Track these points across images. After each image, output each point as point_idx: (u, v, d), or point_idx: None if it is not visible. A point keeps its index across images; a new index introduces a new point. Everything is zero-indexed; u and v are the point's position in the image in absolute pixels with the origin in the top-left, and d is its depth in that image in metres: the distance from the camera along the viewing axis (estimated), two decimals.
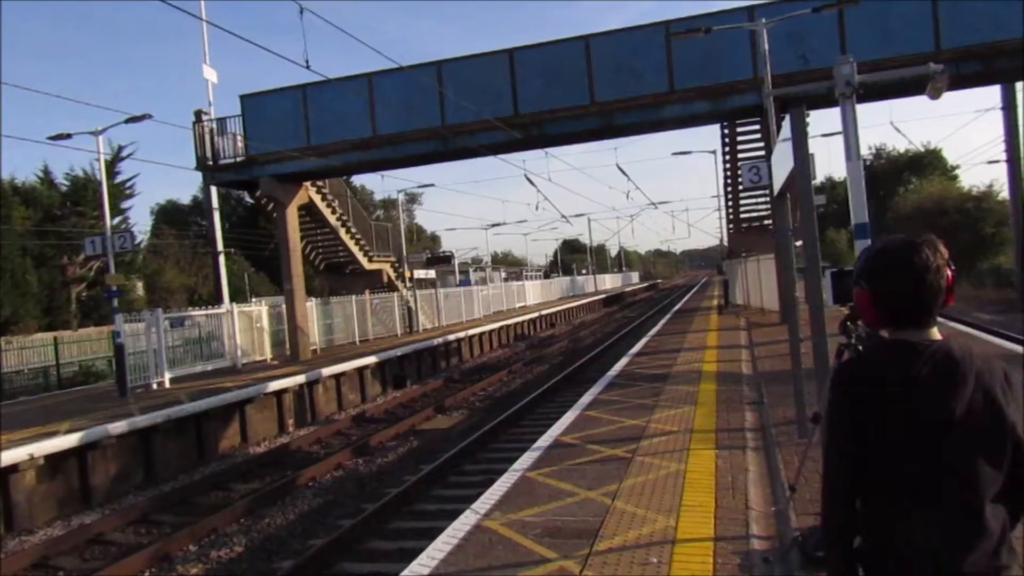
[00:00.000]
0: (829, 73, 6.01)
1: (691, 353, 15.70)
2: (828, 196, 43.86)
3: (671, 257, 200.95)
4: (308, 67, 13.13)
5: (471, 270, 53.50)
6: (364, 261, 27.06)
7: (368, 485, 10.89)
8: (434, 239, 78.02)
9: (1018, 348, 12.48)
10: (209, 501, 10.72)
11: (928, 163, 59.67)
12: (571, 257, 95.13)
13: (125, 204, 45.33)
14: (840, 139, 6.06)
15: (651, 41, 17.65)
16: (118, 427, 11.56)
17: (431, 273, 36.02)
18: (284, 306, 21.51)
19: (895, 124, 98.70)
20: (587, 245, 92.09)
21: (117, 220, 41.67)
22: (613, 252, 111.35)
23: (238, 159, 20.69)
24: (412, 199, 78.98)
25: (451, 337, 25.63)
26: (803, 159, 5.80)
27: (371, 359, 19.40)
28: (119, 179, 43.55)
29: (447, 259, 39.84)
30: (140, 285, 43.75)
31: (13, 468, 9.86)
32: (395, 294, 28.43)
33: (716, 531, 5.25)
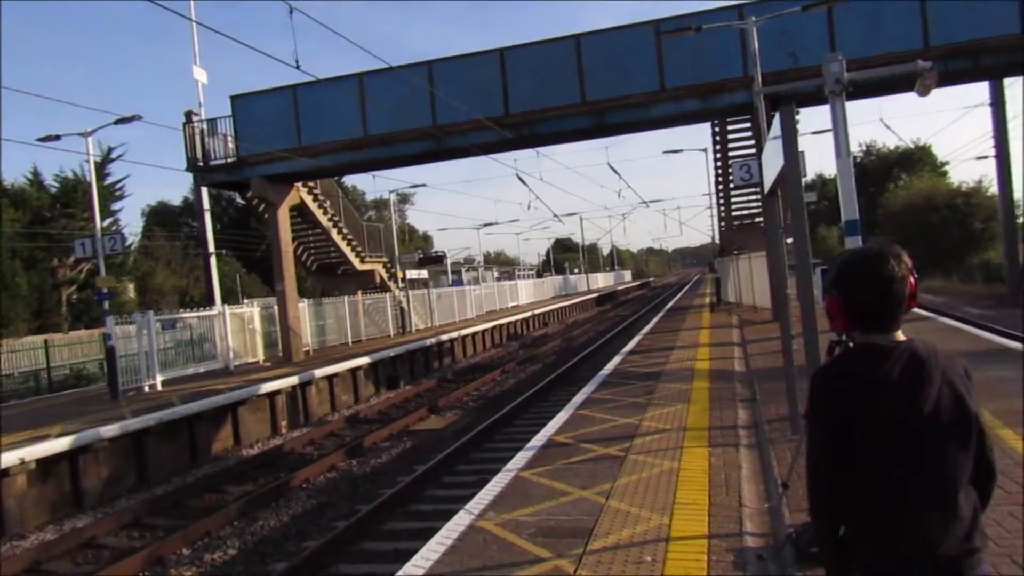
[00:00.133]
0: (819, 71, 6.02)
1: (684, 351, 15.74)
2: (819, 193, 44.14)
3: (663, 255, 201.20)
4: (298, 67, 13.10)
5: (463, 270, 53.46)
6: (356, 262, 27.02)
7: (362, 486, 10.88)
8: (426, 239, 77.91)
9: (1009, 343, 12.57)
10: (202, 504, 10.69)
11: (918, 159, 59.98)
12: (563, 256, 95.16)
13: (115, 206, 45.08)
14: (830, 136, 6.07)
15: (641, 40, 17.67)
16: (110, 430, 11.51)
17: (423, 273, 36.00)
18: (276, 307, 21.46)
19: (885, 121, 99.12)
20: (579, 244, 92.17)
21: (107, 222, 41.46)
22: (605, 251, 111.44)
23: (229, 160, 20.62)
24: (404, 199, 78.99)
25: (444, 337, 25.62)
26: (793, 157, 5.80)
27: (364, 360, 19.37)
28: (109, 180, 43.30)
29: (439, 259, 39.80)
30: (131, 287, 43.56)
31: (4, 472, 9.80)
32: (387, 294, 28.39)
33: (710, 529, 5.26)
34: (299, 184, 22.26)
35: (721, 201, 27.49)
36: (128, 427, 11.88)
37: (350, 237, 26.49)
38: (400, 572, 5.00)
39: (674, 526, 5.34)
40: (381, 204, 65.28)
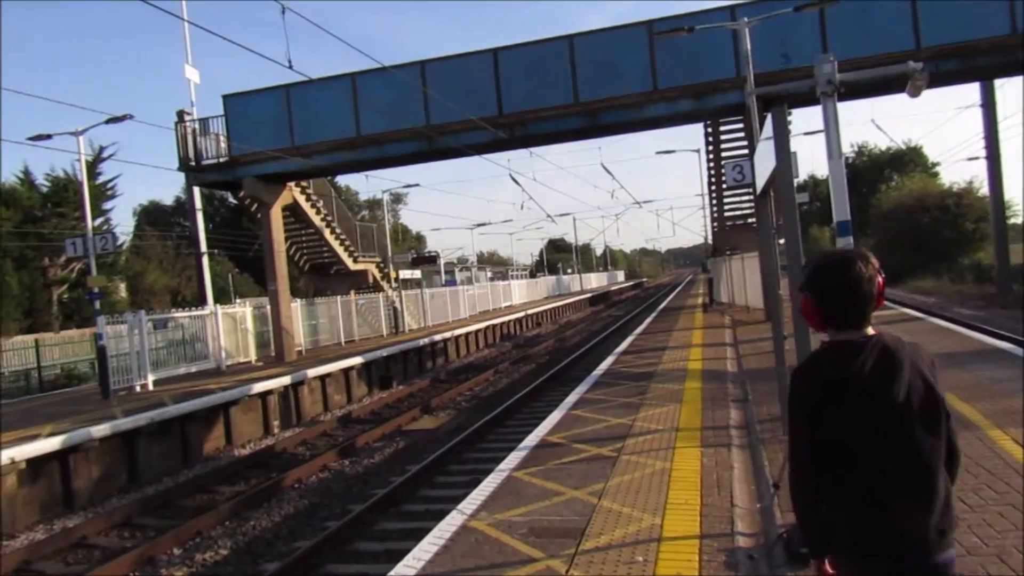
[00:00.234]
0: (811, 72, 6.04)
1: (676, 351, 15.76)
2: (811, 194, 44.26)
3: (656, 256, 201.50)
4: (291, 67, 13.07)
5: (457, 270, 53.40)
6: (349, 261, 26.97)
7: (354, 486, 10.87)
8: (419, 239, 77.86)
9: (999, 343, 12.61)
10: (194, 503, 10.66)
11: (909, 160, 60.27)
12: (557, 256, 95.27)
13: (107, 205, 44.93)
14: (822, 137, 6.09)
15: (634, 40, 17.70)
16: (101, 430, 11.46)
17: (417, 273, 35.97)
18: (269, 307, 21.41)
19: (876, 122, 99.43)
20: (572, 244, 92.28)
21: (99, 221, 41.26)
22: (599, 251, 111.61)
23: (221, 159, 20.56)
24: (397, 199, 78.75)
25: (437, 337, 25.60)
26: (785, 157, 5.82)
27: (357, 360, 19.34)
28: (100, 180, 43.13)
29: (432, 259, 39.79)
30: (123, 287, 43.40)
31: None
32: (380, 294, 28.36)
33: (702, 529, 5.27)
34: (292, 184, 22.20)
35: (714, 202, 27.52)
36: (119, 427, 11.83)
37: (343, 237, 26.44)
38: (392, 572, 4.99)
39: (666, 526, 5.35)
40: (374, 204, 65.21)
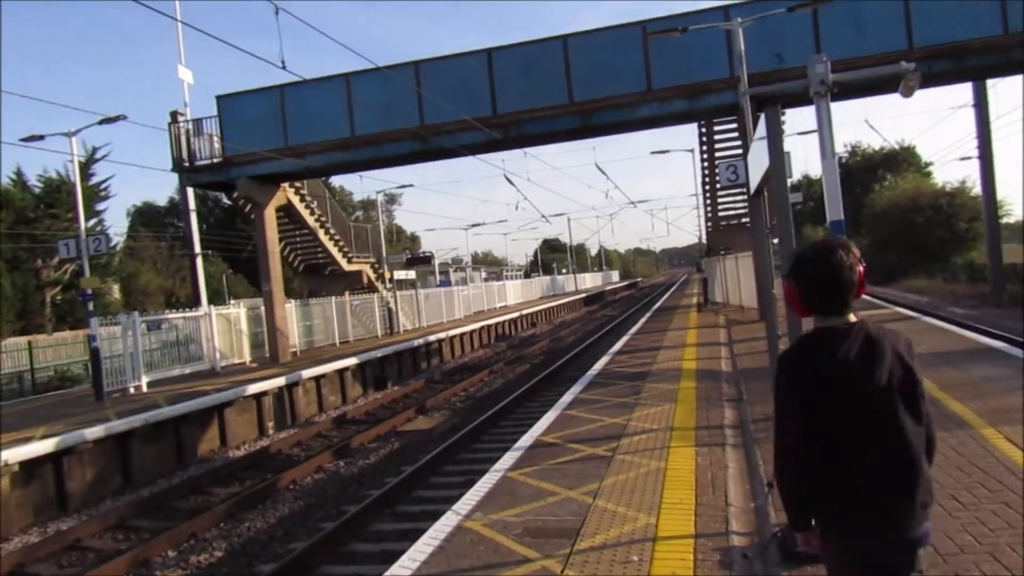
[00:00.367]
0: (804, 72, 6.04)
1: (671, 351, 15.79)
2: (804, 193, 44.31)
3: (651, 255, 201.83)
4: (284, 67, 13.09)
5: (451, 270, 53.41)
6: (343, 262, 26.94)
7: (349, 487, 10.86)
8: (414, 239, 77.78)
9: (992, 342, 12.67)
10: (188, 505, 10.62)
11: (902, 160, 60.43)
12: (551, 256, 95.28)
13: (100, 206, 44.81)
14: (815, 137, 6.10)
15: (628, 41, 17.72)
16: (95, 432, 11.42)
17: (411, 274, 35.93)
18: (263, 308, 21.36)
19: (870, 122, 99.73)
20: (567, 244, 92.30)
21: (92, 222, 41.16)
22: (593, 251, 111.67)
23: (215, 160, 20.51)
24: (391, 200, 78.78)
25: (432, 338, 25.58)
26: (778, 157, 5.82)
27: (351, 360, 19.32)
28: (93, 181, 43.01)
29: (427, 260, 39.79)
30: (116, 288, 43.25)
31: None
32: (375, 295, 28.32)
33: (696, 528, 5.28)
34: (286, 184, 22.17)
35: (708, 201, 27.62)
36: (113, 429, 11.79)
37: (337, 237, 26.41)
38: (387, 573, 4.99)
39: (661, 526, 5.35)
40: (368, 204, 65.14)
